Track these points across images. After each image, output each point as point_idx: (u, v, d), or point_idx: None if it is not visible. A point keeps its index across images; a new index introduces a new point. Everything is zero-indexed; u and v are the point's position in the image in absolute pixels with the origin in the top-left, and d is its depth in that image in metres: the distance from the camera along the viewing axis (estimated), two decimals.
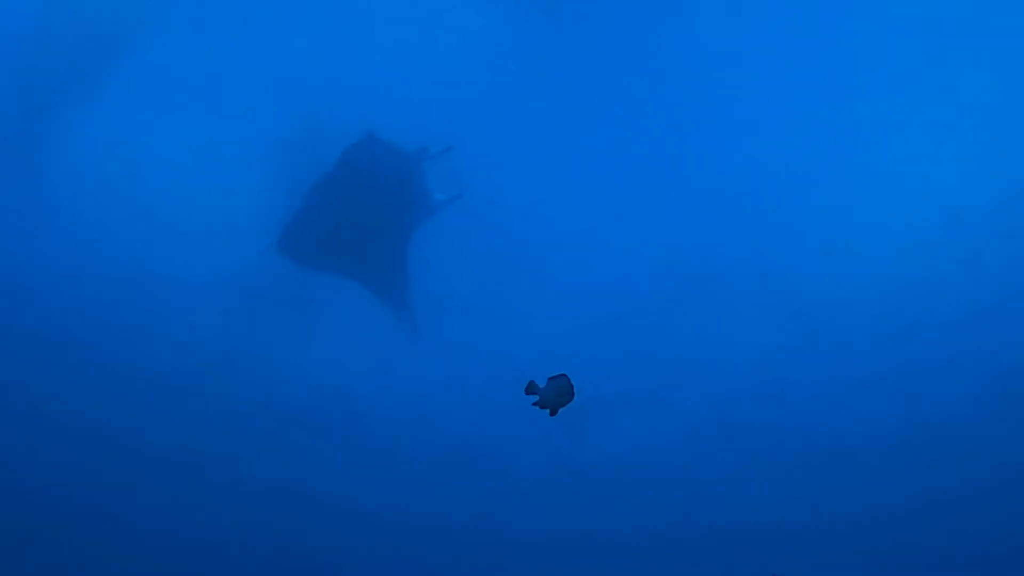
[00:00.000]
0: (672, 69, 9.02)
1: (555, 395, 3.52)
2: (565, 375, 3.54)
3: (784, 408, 10.91)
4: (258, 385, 10.88)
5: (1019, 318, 9.93)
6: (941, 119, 9.09)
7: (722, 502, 11.77)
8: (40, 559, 11.73)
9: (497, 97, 9.12)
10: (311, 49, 9.00)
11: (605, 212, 9.95)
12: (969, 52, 8.67)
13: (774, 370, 10.63)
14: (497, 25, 8.73)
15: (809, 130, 9.40)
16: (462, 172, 8.12)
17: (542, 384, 3.58)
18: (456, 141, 7.76)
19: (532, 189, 9.68)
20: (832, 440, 11.10)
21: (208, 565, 12.11)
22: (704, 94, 9.14)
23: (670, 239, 10.02)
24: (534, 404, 3.55)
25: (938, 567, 11.93)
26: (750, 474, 11.51)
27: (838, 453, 11.19)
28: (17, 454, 11.06)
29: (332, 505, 11.85)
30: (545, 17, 8.71)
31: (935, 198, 9.47)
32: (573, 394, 3.52)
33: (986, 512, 11.43)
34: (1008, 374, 10.30)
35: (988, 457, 10.98)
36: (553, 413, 3.56)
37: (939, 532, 11.70)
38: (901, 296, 9.99)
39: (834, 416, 10.89)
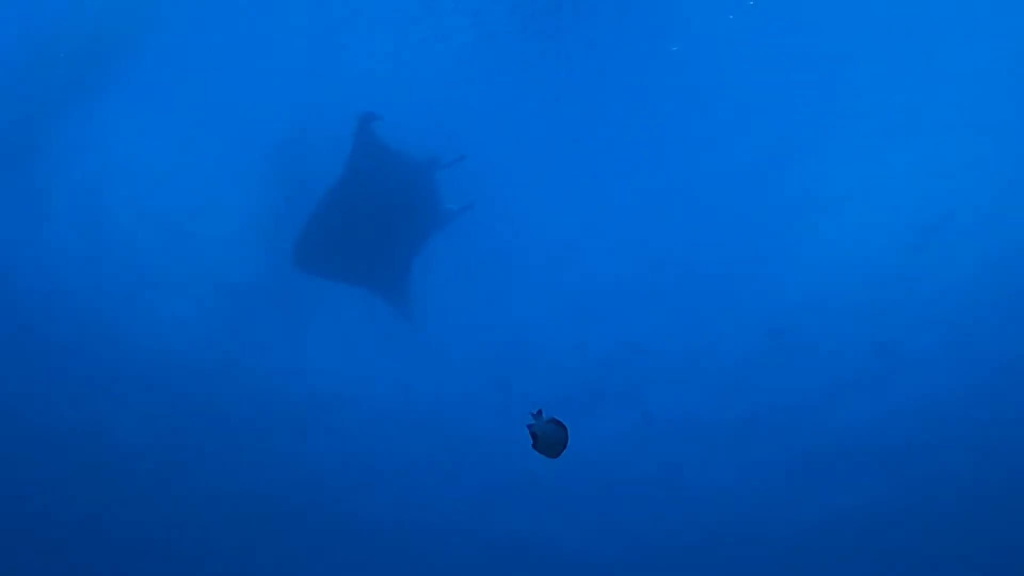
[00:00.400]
0: (672, 79, 9.09)
1: (550, 442, 3.51)
2: (565, 429, 3.51)
3: (770, 411, 11.01)
4: (254, 389, 10.92)
5: (1001, 320, 10.06)
6: (926, 125, 9.19)
7: (708, 504, 11.85)
8: (40, 561, 11.80)
9: (494, 105, 9.16)
10: (312, 59, 9.02)
11: (601, 220, 10.03)
12: (954, 56, 8.76)
13: (763, 373, 10.75)
14: (497, 32, 8.79)
15: (804, 139, 9.49)
16: (459, 180, 8.14)
17: (546, 417, 3.55)
18: (451, 149, 7.81)
19: (527, 195, 9.74)
20: (816, 443, 11.20)
21: (203, 568, 12.17)
22: (701, 106, 9.22)
23: (665, 245, 10.10)
24: (530, 428, 3.53)
25: (931, 569, 11.99)
26: (738, 476, 11.60)
27: (824, 456, 11.29)
28: (15, 454, 11.13)
29: (328, 509, 11.92)
30: (546, 24, 8.77)
31: (922, 205, 9.59)
32: (565, 447, 3.51)
33: (975, 515, 11.52)
34: (994, 375, 10.43)
35: (969, 467, 11.09)
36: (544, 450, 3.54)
37: (931, 534, 11.78)
38: (886, 299, 10.11)
39: (818, 419, 10.99)
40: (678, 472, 11.61)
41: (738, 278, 10.20)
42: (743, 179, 9.67)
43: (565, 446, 3.52)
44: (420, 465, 11.67)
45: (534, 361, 10.90)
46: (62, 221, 9.78)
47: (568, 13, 8.63)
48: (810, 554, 12.07)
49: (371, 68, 9.06)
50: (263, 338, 10.69)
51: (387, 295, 8.23)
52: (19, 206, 9.65)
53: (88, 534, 11.85)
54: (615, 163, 9.69)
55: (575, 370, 10.94)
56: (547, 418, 3.55)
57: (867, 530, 11.87)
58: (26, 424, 10.97)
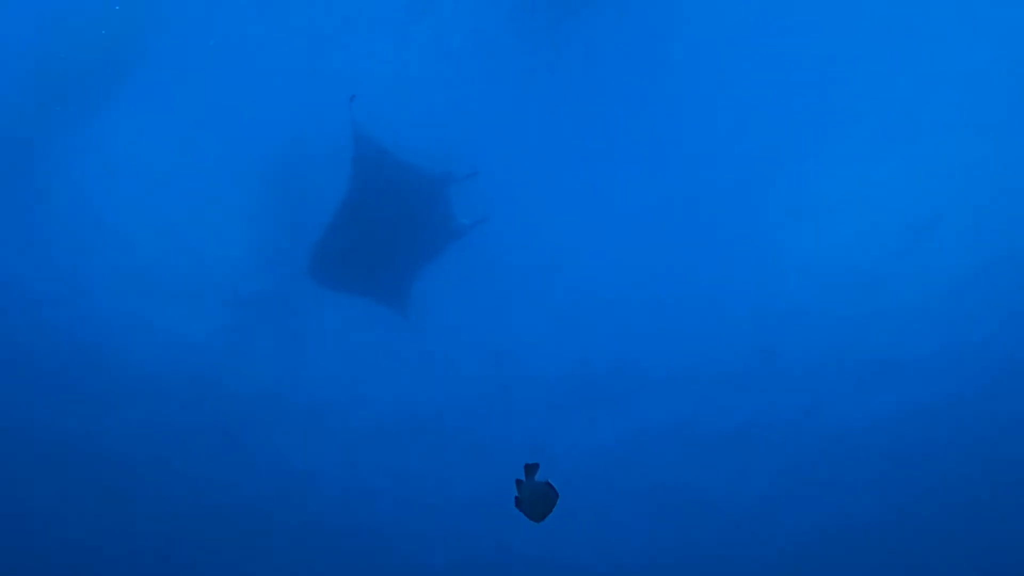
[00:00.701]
0: (670, 88, 9.18)
1: (536, 505, 3.29)
2: (555, 493, 3.29)
3: (765, 419, 11.09)
4: (252, 398, 10.94)
5: (991, 324, 10.16)
6: (912, 129, 9.30)
7: (705, 514, 11.90)
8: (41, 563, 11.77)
9: (492, 115, 9.23)
10: (310, 71, 9.10)
11: (599, 231, 10.10)
12: (940, 61, 8.87)
13: (756, 381, 10.85)
14: (495, 42, 8.88)
15: (792, 146, 9.59)
16: (459, 191, 8.16)
17: (536, 476, 3.33)
18: (449, 159, 7.85)
19: (525, 205, 9.80)
20: (811, 450, 11.27)
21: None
22: (697, 115, 9.31)
23: (662, 253, 10.18)
24: (518, 484, 3.33)
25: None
26: (734, 486, 11.66)
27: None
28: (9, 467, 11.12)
29: (328, 518, 11.93)
30: (544, 34, 8.85)
31: (909, 209, 9.70)
32: (554, 504, 3.29)
33: (969, 521, 11.61)
34: (986, 378, 10.51)
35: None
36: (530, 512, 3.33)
37: (926, 540, 11.85)
38: (876, 305, 10.21)
39: (811, 426, 11.08)
40: (674, 482, 11.65)
41: (734, 287, 10.29)
42: (740, 189, 9.77)
43: (551, 511, 3.28)
44: (418, 474, 11.69)
45: (531, 369, 10.92)
46: (60, 229, 9.80)
47: (567, 23, 8.72)
48: (804, 564, 12.12)
49: (367, 79, 9.11)
50: (261, 346, 10.71)
51: (395, 305, 8.28)
52: (16, 215, 9.67)
53: (83, 545, 11.83)
54: (613, 174, 9.78)
55: (571, 379, 11.00)
56: (541, 478, 3.31)
57: (864, 537, 11.92)
58: (23, 436, 10.95)
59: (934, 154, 9.34)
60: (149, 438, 11.12)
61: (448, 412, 11.26)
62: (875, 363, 10.51)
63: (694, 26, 8.83)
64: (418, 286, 8.46)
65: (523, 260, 10.24)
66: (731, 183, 9.78)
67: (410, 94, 9.22)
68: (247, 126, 9.43)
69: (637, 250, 10.24)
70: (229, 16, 8.85)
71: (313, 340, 10.65)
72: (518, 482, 3.30)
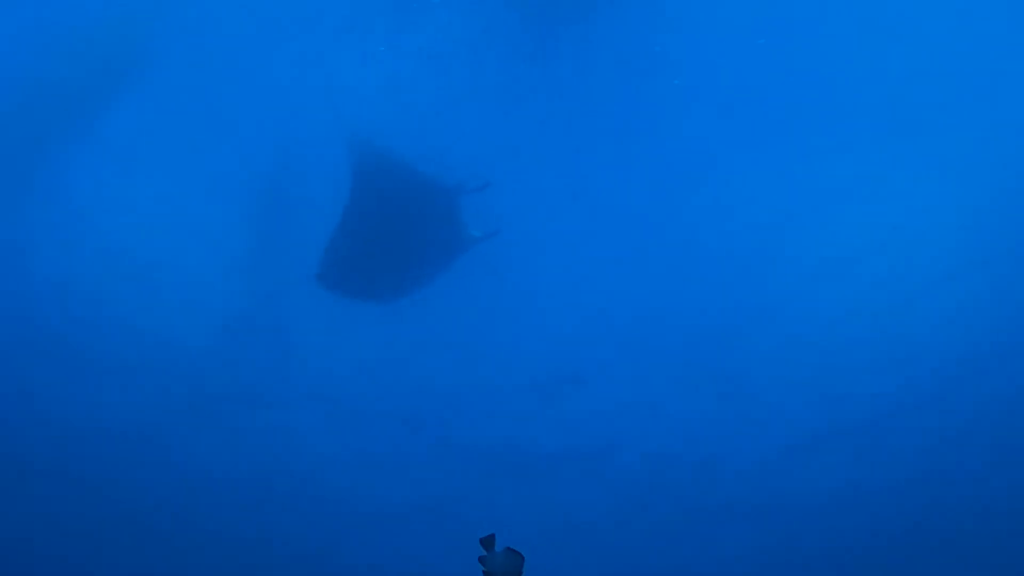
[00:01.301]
0: (660, 103, 9.40)
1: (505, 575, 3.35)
2: (521, 557, 3.34)
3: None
4: (250, 398, 11.05)
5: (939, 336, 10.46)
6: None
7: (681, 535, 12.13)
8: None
9: (483, 128, 9.41)
10: (305, 82, 9.24)
11: (586, 238, 10.32)
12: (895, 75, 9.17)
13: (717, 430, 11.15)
14: (486, 57, 9.05)
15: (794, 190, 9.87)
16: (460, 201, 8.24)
17: (497, 547, 3.36)
18: (448, 172, 7.97)
19: (517, 214, 9.96)
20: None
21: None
22: (703, 150, 9.58)
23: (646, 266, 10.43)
24: (481, 561, 3.36)
25: None
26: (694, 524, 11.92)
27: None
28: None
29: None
30: (535, 50, 9.04)
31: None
32: (522, 566, 3.33)
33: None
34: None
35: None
36: None
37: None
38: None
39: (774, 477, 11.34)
40: (649, 486, 11.88)
41: (728, 293, 10.53)
42: (730, 200, 10.05)
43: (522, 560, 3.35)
44: (407, 474, 11.80)
45: (515, 372, 11.06)
46: (55, 232, 9.82)
47: (560, 39, 8.92)
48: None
49: (360, 92, 9.26)
50: (254, 349, 10.79)
51: (390, 306, 8.41)
52: (12, 219, 9.70)
53: (72, 544, 11.81)
54: (599, 183, 9.98)
55: (553, 382, 11.18)
56: (500, 547, 3.35)
57: (825, 544, 12.10)
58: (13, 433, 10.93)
59: (907, 158, 9.61)
60: (140, 439, 11.14)
61: (435, 416, 11.38)
62: (853, 367, 10.73)
63: (685, 35, 9.08)
64: (411, 290, 8.61)
65: (510, 266, 10.37)
66: (725, 195, 10.04)
67: (402, 104, 9.36)
68: (242, 132, 9.52)
69: (622, 257, 10.44)
70: (221, 29, 8.95)
71: (304, 343, 10.74)
72: (481, 559, 3.34)
